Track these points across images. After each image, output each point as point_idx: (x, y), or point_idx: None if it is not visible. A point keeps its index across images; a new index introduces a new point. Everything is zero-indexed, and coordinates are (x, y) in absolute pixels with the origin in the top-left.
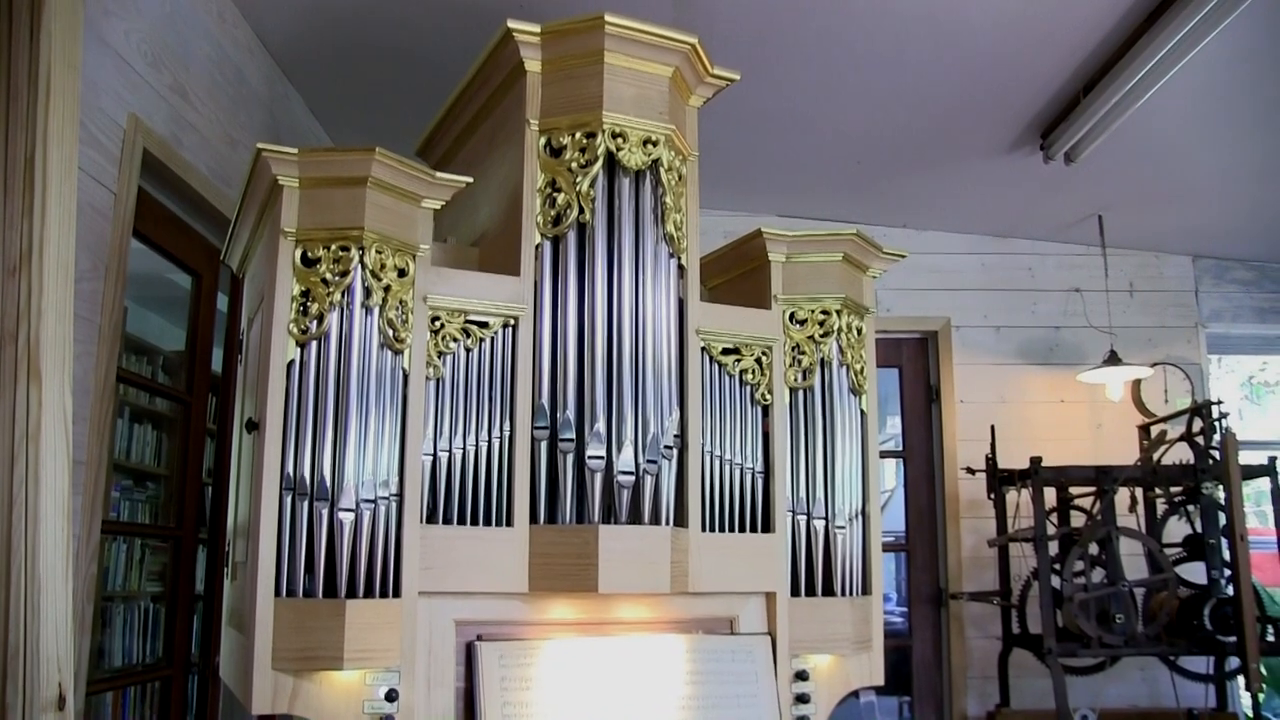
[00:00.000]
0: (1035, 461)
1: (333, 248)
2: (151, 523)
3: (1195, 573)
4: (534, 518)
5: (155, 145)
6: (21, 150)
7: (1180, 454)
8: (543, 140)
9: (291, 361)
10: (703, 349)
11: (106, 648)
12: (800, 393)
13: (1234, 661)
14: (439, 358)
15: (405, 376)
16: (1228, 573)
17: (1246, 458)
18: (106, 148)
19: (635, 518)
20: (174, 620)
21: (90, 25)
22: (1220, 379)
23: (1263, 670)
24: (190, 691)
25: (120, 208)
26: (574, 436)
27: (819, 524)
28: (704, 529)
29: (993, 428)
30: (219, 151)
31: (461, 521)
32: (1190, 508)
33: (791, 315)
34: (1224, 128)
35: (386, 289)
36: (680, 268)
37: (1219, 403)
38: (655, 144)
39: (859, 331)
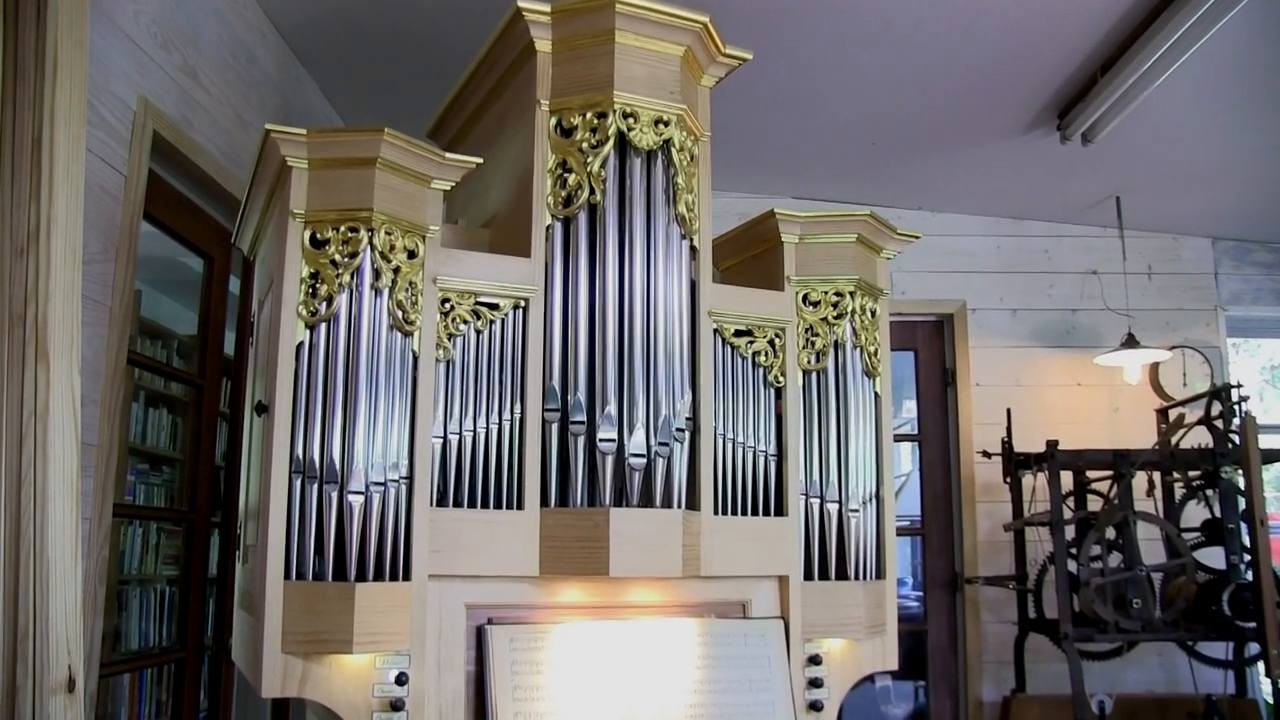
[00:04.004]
0: (1051, 445)
1: (342, 229)
2: (167, 507)
3: (1214, 558)
4: (545, 501)
5: (165, 127)
6: (29, 130)
7: (1199, 438)
8: (553, 120)
9: (301, 343)
10: (715, 331)
11: (123, 630)
12: (813, 375)
13: (1254, 647)
14: (449, 340)
15: (415, 358)
16: (1247, 558)
17: (1266, 442)
18: (116, 130)
19: (647, 500)
20: (188, 603)
21: (99, 6)
22: (1240, 363)
23: None
24: (204, 674)
25: (130, 190)
26: (585, 419)
27: (832, 507)
28: (716, 512)
29: (1009, 411)
30: (230, 133)
31: (472, 504)
32: (1209, 492)
33: (805, 297)
34: (1245, 107)
35: (396, 270)
36: (692, 249)
37: (1238, 386)
38: (667, 124)
39: (873, 313)
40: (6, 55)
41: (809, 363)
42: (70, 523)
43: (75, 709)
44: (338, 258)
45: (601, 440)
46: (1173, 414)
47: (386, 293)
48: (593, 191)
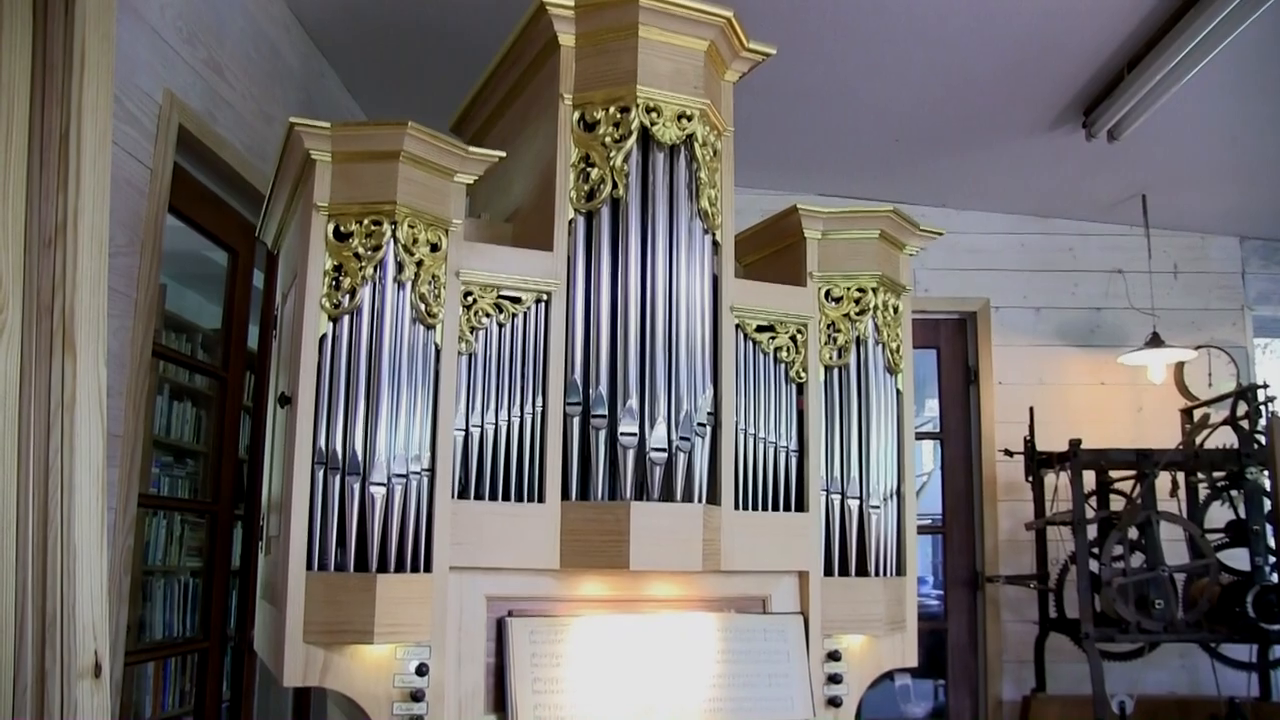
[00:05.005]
0: (1074, 444)
1: (365, 222)
2: (191, 498)
3: (1238, 559)
4: (566, 494)
5: (190, 121)
6: (57, 124)
7: (1224, 438)
8: (576, 115)
9: (324, 336)
10: (737, 326)
11: (147, 620)
12: (835, 371)
13: (1278, 650)
14: (471, 333)
15: (437, 351)
16: (1272, 559)
17: None
18: (142, 123)
19: (668, 495)
20: (211, 594)
21: (125, 1)
22: (1266, 363)
23: None
24: (226, 664)
25: (156, 183)
26: (606, 413)
27: (853, 503)
28: (737, 507)
29: (1031, 410)
30: (254, 127)
31: (493, 497)
32: (1233, 493)
33: (827, 293)
34: (1274, 104)
35: (419, 264)
36: (715, 244)
37: (1265, 386)
38: (690, 119)
39: (895, 310)
40: (35, 50)
41: (831, 359)
42: (96, 511)
43: (101, 694)
44: (361, 250)
45: (623, 434)
46: (1197, 414)
47: (409, 286)
48: (615, 186)
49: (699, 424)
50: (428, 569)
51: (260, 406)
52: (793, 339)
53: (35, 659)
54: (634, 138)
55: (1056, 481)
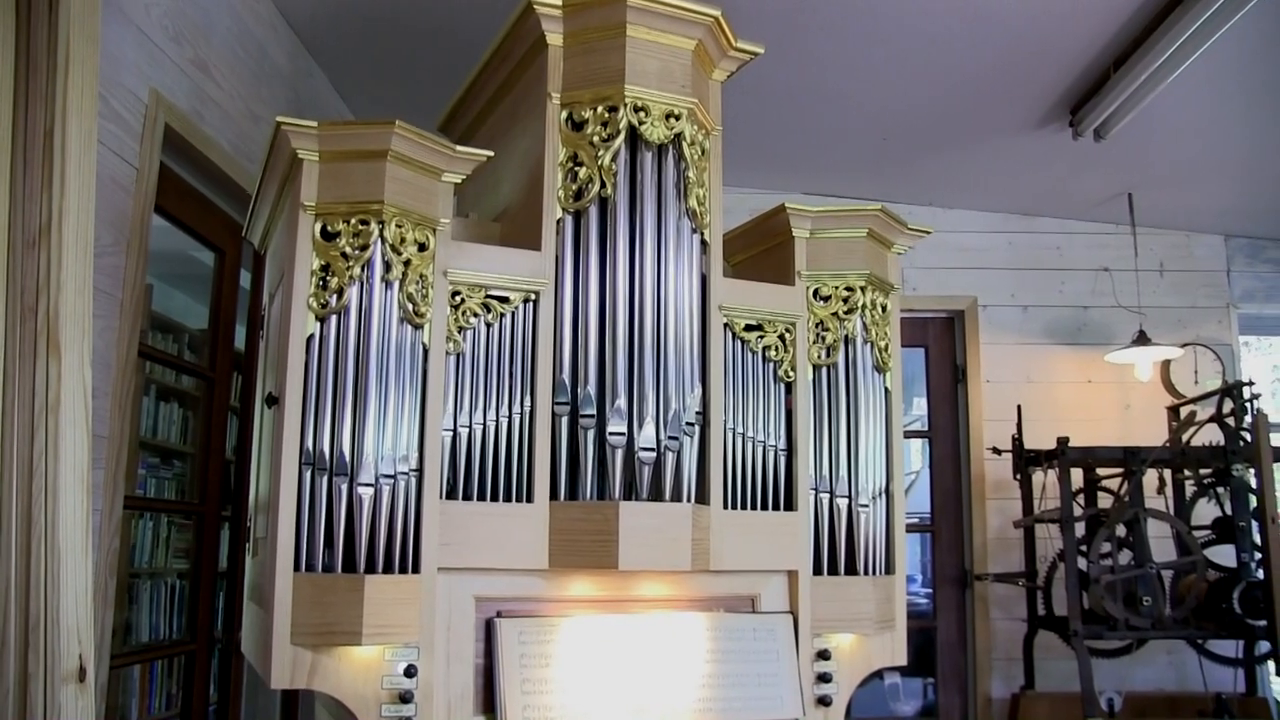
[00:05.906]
0: (1062, 442)
1: (352, 221)
2: (178, 500)
3: (1225, 555)
4: (554, 494)
5: (177, 120)
6: (41, 123)
7: (1210, 435)
8: (564, 114)
9: (311, 336)
10: (725, 325)
11: (134, 623)
12: (824, 370)
13: (1264, 646)
14: (459, 332)
15: (425, 351)
16: (1258, 556)
17: (1278, 439)
18: (128, 122)
19: (656, 495)
20: (198, 596)
21: None
22: (1252, 360)
23: None
24: (214, 666)
25: (142, 182)
26: (595, 413)
27: (842, 502)
28: (726, 506)
29: (1019, 408)
30: (241, 127)
31: (481, 497)
32: (1220, 490)
33: (815, 291)
34: (1259, 104)
35: (406, 263)
36: (703, 243)
37: (1250, 383)
38: (678, 118)
39: (884, 308)
40: (19, 48)
41: (819, 357)
42: (81, 514)
43: (86, 699)
44: (348, 250)
45: (611, 434)
46: (1184, 411)
47: (397, 285)
48: (603, 185)
49: (687, 423)
50: (416, 570)
51: (247, 407)
52: (781, 338)
53: (19, 663)
54: (622, 137)
55: (1044, 479)
